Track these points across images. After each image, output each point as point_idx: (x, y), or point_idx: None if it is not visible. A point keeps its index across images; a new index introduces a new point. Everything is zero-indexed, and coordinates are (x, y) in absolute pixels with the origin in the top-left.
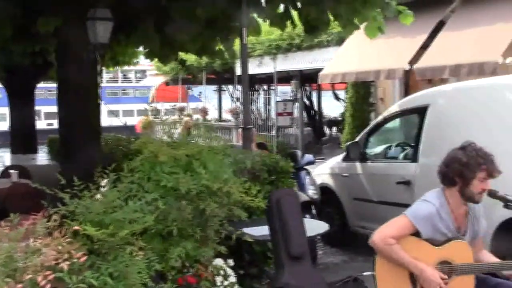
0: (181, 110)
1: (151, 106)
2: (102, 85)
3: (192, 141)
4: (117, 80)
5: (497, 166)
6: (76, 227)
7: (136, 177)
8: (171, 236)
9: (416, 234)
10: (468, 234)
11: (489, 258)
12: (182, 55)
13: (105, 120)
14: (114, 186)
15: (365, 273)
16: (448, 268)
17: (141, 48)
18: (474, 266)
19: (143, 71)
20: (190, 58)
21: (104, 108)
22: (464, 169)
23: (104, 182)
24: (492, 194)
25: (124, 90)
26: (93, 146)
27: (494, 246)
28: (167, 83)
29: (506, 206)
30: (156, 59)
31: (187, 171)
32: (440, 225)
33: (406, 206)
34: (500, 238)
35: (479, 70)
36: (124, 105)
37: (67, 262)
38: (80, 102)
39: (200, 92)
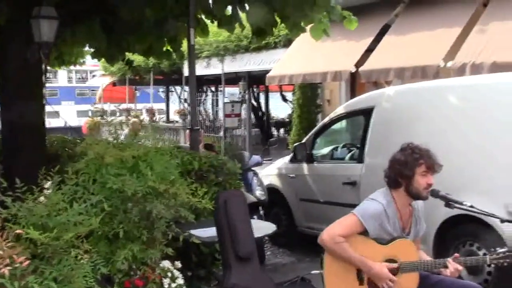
0: (128, 111)
1: (96, 107)
2: (72, 85)
3: (139, 142)
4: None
5: (436, 160)
6: (18, 231)
7: (81, 179)
8: (118, 239)
9: (364, 232)
10: (412, 234)
11: (426, 257)
12: (129, 55)
13: (57, 121)
14: (59, 188)
15: (313, 272)
16: (394, 267)
17: (87, 48)
18: (419, 263)
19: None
20: (138, 58)
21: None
22: (403, 168)
23: (48, 184)
24: (434, 194)
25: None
26: (37, 147)
27: (436, 244)
28: (114, 84)
29: (448, 205)
30: (102, 59)
31: (134, 173)
32: (387, 224)
33: (353, 206)
34: (442, 236)
35: (422, 73)
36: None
37: (9, 267)
38: (22, 102)
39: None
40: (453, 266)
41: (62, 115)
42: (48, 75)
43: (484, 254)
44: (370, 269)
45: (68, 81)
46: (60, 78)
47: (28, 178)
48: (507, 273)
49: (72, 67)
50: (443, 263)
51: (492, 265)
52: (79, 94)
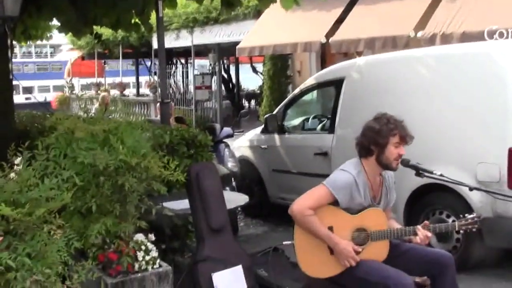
0: (98, 85)
1: (66, 82)
2: (32, 60)
3: (110, 117)
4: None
5: (409, 132)
6: None
7: (52, 154)
8: (90, 213)
9: (334, 203)
10: (382, 203)
11: (397, 225)
12: (97, 29)
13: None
14: (29, 164)
15: (285, 243)
16: (364, 235)
17: (54, 22)
18: (388, 232)
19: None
20: (106, 32)
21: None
22: (377, 136)
23: (18, 160)
24: (405, 163)
25: (40, 65)
26: (5, 123)
27: (406, 212)
28: (82, 58)
29: (418, 174)
30: (70, 33)
31: (105, 147)
32: (357, 194)
33: (324, 176)
34: (412, 205)
35: (392, 43)
36: (42, 81)
37: None
38: None
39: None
40: (422, 233)
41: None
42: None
43: (453, 221)
44: (335, 245)
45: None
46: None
47: None
48: (475, 240)
49: (39, 42)
50: (413, 230)
51: (461, 231)
52: (40, 69)
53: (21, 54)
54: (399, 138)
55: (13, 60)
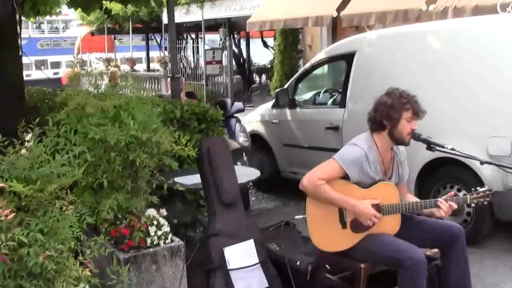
0: (108, 60)
1: (76, 58)
2: (43, 36)
3: (120, 92)
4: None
5: (422, 106)
6: (1, 184)
7: (62, 130)
8: (102, 189)
9: (345, 177)
10: (394, 178)
11: (413, 199)
12: (106, 4)
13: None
14: (40, 140)
15: (296, 217)
16: (376, 208)
17: None
18: (400, 205)
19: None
20: (116, 7)
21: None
22: (390, 111)
23: (28, 136)
24: (416, 137)
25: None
26: (15, 99)
27: (418, 187)
28: (92, 33)
29: (429, 148)
30: (79, 9)
31: (115, 122)
32: (368, 169)
33: (335, 150)
34: (423, 179)
35: (404, 16)
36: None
37: None
38: None
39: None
40: (445, 204)
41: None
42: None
43: (464, 195)
44: (354, 207)
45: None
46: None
47: (8, 132)
48: (485, 214)
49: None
50: (434, 203)
51: (472, 205)
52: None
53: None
54: (412, 112)
55: (41, 35)
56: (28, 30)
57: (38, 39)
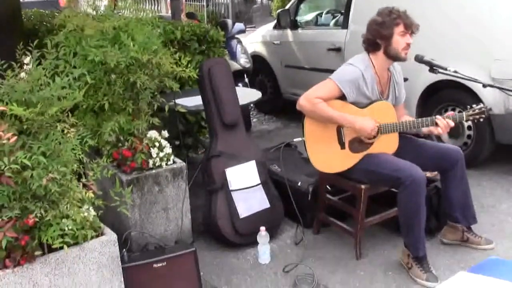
0: None
1: None
2: None
3: (119, 13)
4: None
5: (413, 20)
6: (2, 108)
7: (61, 52)
8: (103, 111)
9: (342, 98)
10: (390, 99)
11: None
12: None
13: None
14: (39, 63)
15: (295, 139)
16: None
17: None
18: (397, 124)
19: None
20: None
21: None
22: (381, 29)
23: (27, 59)
24: (419, 59)
25: None
26: (12, 23)
27: (419, 109)
28: None
29: (432, 70)
30: None
31: (115, 44)
32: (365, 88)
33: None
34: (425, 101)
35: None
36: None
37: None
38: None
39: None
40: (442, 122)
41: None
42: None
43: (459, 111)
44: (353, 123)
45: None
46: None
47: (6, 55)
48: (485, 136)
49: None
50: (431, 120)
51: (469, 122)
52: None
53: None
54: (403, 26)
55: None
56: None
57: None
